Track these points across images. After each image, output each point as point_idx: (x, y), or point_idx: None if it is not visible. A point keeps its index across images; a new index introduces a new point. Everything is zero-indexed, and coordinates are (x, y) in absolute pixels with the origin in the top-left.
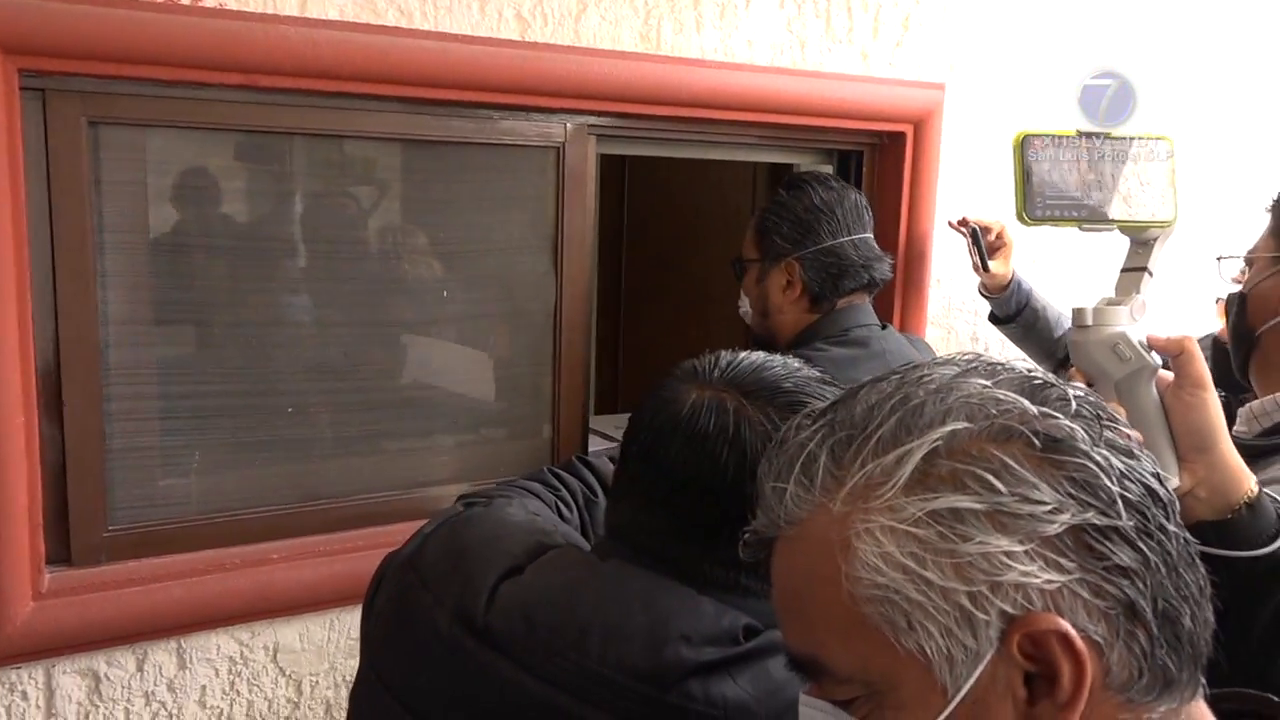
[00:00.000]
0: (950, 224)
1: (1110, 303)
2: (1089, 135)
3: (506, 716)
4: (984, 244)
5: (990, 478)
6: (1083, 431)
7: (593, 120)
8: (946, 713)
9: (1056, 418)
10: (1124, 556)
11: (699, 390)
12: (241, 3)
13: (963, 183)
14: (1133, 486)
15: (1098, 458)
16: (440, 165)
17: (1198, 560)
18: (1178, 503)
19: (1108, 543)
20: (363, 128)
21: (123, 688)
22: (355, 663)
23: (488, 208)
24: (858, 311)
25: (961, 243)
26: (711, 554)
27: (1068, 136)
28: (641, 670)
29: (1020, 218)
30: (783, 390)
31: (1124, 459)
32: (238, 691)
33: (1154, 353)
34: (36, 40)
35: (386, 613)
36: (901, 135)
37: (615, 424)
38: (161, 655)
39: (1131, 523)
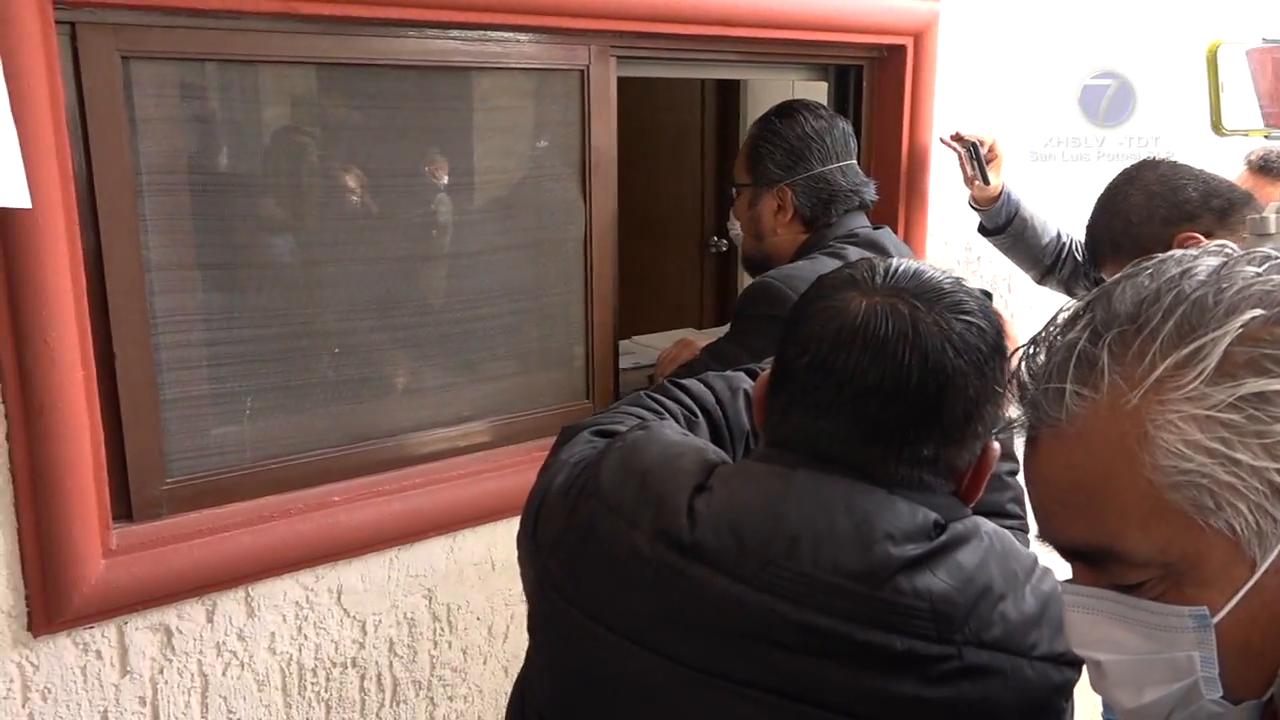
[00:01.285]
0: (943, 140)
1: None
2: (1275, 42)
3: (725, 628)
4: (980, 157)
5: None
6: None
7: (613, 42)
8: (1254, 580)
9: None
10: None
11: (867, 298)
12: None
13: (959, 96)
14: None
15: None
16: (469, 92)
17: None
18: None
19: None
20: (396, 54)
21: (194, 640)
22: (415, 599)
23: (517, 134)
24: (853, 218)
25: (953, 157)
26: (897, 454)
27: (1258, 48)
28: (855, 570)
29: (1215, 128)
30: (945, 292)
31: None
32: (305, 636)
33: None
34: None
35: (570, 543)
36: (902, 48)
37: (626, 349)
38: (230, 605)
39: None
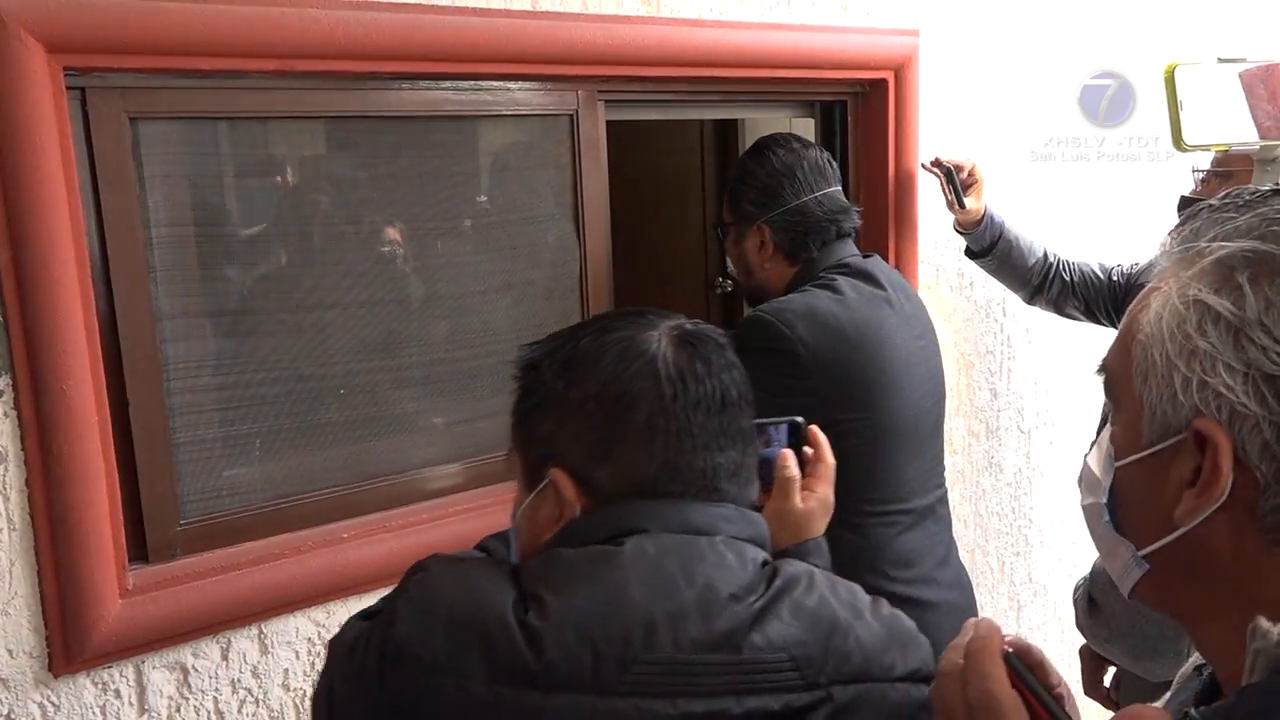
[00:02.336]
0: (924, 165)
1: None
2: (1229, 61)
3: None
4: (957, 182)
5: (1255, 300)
6: None
7: (601, 86)
8: (1137, 457)
9: None
10: None
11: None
12: None
13: (940, 125)
14: None
15: None
16: (463, 139)
17: None
18: None
19: None
20: (392, 107)
21: (210, 678)
22: None
23: (511, 178)
24: (841, 246)
25: (937, 183)
26: (684, 476)
27: (1209, 67)
28: (713, 641)
29: (1176, 144)
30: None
31: None
32: (318, 672)
33: None
34: (76, 36)
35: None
36: (883, 82)
37: None
38: (244, 643)
39: None
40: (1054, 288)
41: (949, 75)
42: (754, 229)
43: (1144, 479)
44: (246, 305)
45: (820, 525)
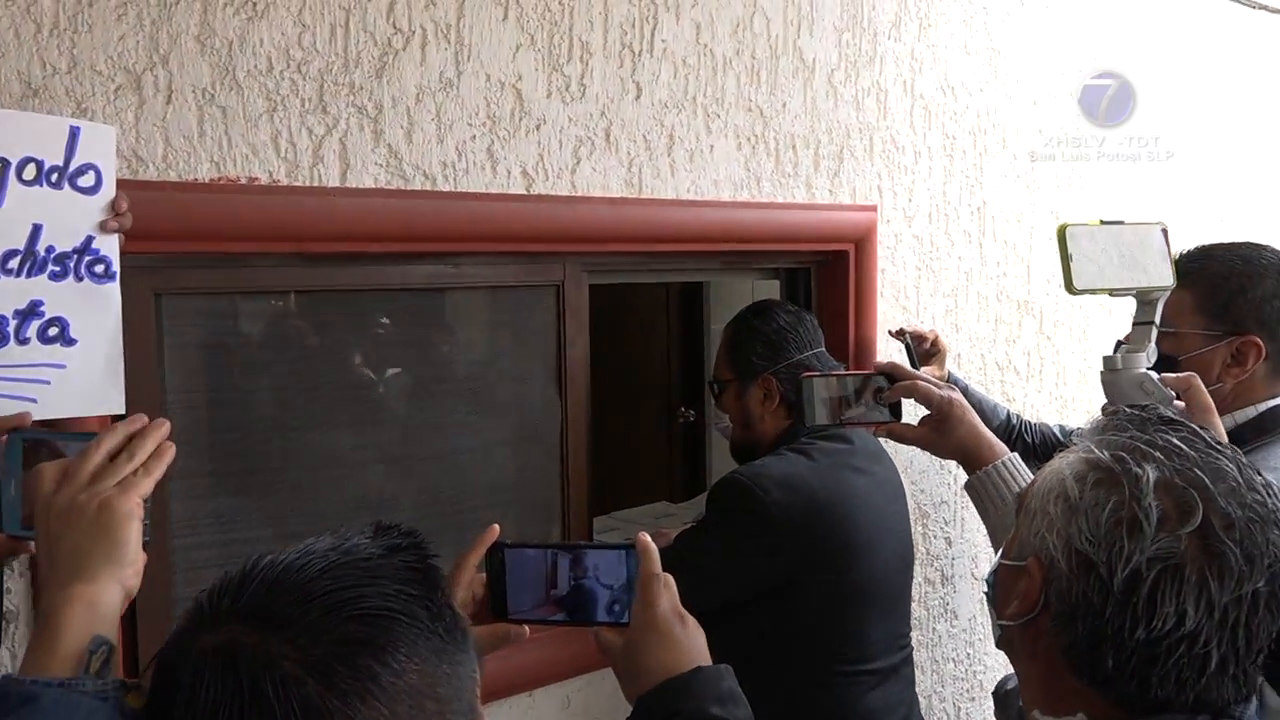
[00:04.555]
0: (890, 333)
1: (1130, 350)
2: (1109, 223)
3: None
4: (914, 353)
5: (1089, 495)
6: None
7: (586, 259)
8: (1005, 562)
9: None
10: None
11: (206, 636)
12: (291, 177)
13: (898, 291)
14: None
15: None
16: (459, 309)
17: None
18: None
19: None
20: (395, 281)
21: None
22: None
23: (501, 344)
24: None
25: (902, 348)
26: None
27: (1094, 226)
28: None
29: (1068, 288)
30: (317, 597)
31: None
32: None
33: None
34: None
35: None
36: (844, 253)
37: (601, 524)
38: None
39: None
40: (1016, 449)
41: (910, 245)
42: (759, 381)
43: (1004, 576)
44: (251, 464)
45: (689, 647)
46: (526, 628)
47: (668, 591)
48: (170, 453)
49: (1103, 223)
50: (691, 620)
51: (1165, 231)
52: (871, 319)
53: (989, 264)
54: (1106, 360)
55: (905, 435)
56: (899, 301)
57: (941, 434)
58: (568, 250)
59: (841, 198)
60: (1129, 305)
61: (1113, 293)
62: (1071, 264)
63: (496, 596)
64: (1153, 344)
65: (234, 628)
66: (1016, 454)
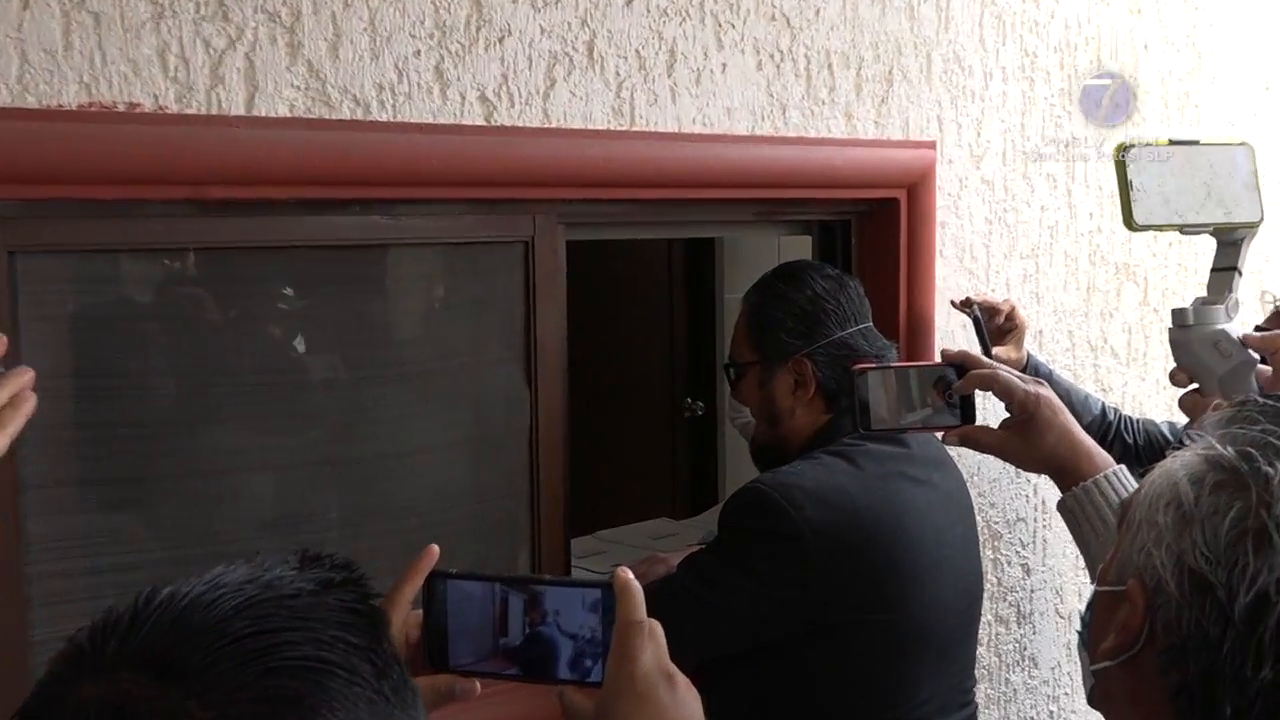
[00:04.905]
0: (953, 304)
1: (1206, 302)
2: (1179, 143)
3: None
4: (986, 330)
5: (1206, 502)
6: None
7: (562, 209)
8: (1103, 589)
9: None
10: None
11: (88, 685)
12: (183, 103)
13: (962, 250)
14: None
15: None
16: (398, 273)
17: None
18: None
19: None
20: (319, 237)
21: None
22: None
23: (451, 318)
24: None
25: (970, 321)
26: None
27: (1161, 146)
28: None
29: (1127, 224)
30: (231, 642)
31: None
32: None
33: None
34: None
35: None
36: (894, 202)
37: (584, 546)
38: None
39: None
40: (1113, 451)
41: (978, 192)
42: (789, 365)
43: (1101, 607)
44: (128, 471)
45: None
46: (477, 682)
47: (652, 643)
48: (29, 404)
49: (1172, 142)
50: (682, 680)
51: (1252, 153)
52: (929, 286)
53: (1079, 217)
54: (1176, 315)
55: (981, 441)
56: (964, 264)
57: (1028, 440)
58: (539, 197)
59: (890, 132)
60: (1265, 264)
61: (1184, 229)
62: (1131, 193)
63: (435, 640)
64: (1235, 294)
65: (124, 676)
66: (1123, 465)
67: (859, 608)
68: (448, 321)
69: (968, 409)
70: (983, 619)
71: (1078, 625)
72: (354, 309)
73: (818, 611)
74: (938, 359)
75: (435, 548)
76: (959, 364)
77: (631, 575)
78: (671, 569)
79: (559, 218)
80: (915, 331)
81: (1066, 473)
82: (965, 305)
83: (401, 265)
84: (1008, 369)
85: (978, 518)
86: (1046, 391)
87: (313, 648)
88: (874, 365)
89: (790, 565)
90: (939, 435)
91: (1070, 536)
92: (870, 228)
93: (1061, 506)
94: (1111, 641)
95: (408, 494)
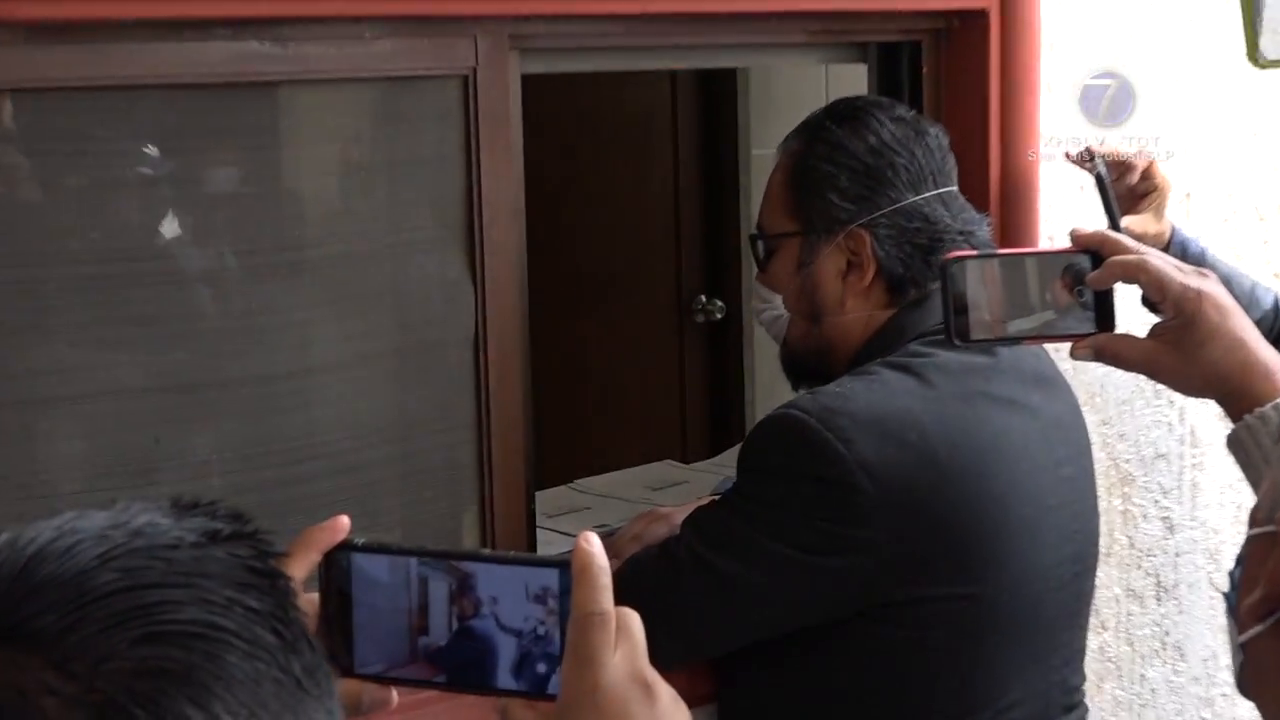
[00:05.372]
0: (1068, 156)
1: None
2: None
3: None
4: (1110, 190)
5: None
6: None
7: (515, 28)
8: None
9: None
10: None
11: None
12: None
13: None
14: None
15: None
16: (289, 123)
17: None
18: None
19: None
20: (183, 72)
21: None
22: None
23: (364, 185)
24: None
25: (1091, 182)
26: None
27: None
28: None
29: (1251, 58)
30: (97, 598)
31: None
32: None
33: None
34: None
35: None
36: (981, 15)
37: (556, 502)
38: None
39: None
40: None
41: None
42: (840, 239)
43: (1253, 559)
44: None
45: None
46: (393, 690)
47: (624, 643)
48: None
49: None
50: (665, 691)
51: None
52: (1030, 131)
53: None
54: None
55: (1123, 355)
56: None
57: (1185, 353)
58: (482, 13)
59: None
60: None
61: None
62: (1260, 23)
63: (336, 637)
64: None
65: None
66: None
67: (928, 579)
68: (360, 190)
69: (1105, 310)
70: (1111, 591)
71: (1225, 586)
72: (231, 175)
73: (872, 585)
74: (1046, 241)
75: (344, 519)
76: (1093, 249)
77: (594, 547)
78: (675, 530)
79: (511, 41)
80: (1012, 198)
81: (1238, 395)
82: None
83: (295, 113)
84: (1160, 254)
85: (1098, 453)
86: (1213, 285)
87: (202, 610)
88: (973, 253)
89: (836, 522)
90: (1074, 349)
91: (1236, 480)
92: (949, 51)
93: (1232, 440)
94: (1258, 596)
95: (305, 429)
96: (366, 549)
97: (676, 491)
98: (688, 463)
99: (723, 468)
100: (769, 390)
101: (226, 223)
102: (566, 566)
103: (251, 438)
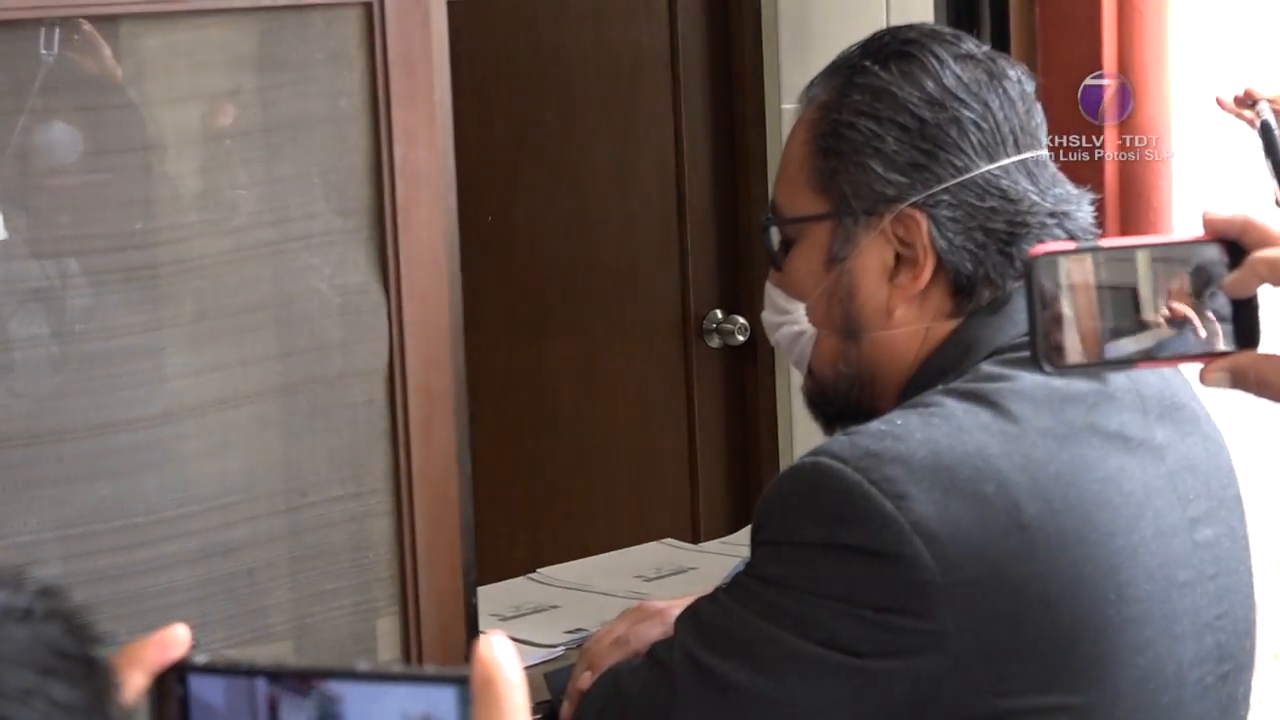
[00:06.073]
0: (1219, 102)
1: None
2: None
3: None
4: (1279, 140)
5: None
6: None
7: None
8: None
9: None
10: None
11: None
12: None
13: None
14: None
15: None
16: (132, 71)
17: None
18: None
19: None
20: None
21: None
22: None
23: (234, 159)
24: None
25: (1250, 135)
26: None
27: None
28: None
29: None
30: None
31: None
32: None
33: None
34: None
35: None
36: None
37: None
38: None
39: None
40: None
41: None
42: (885, 225)
43: None
44: None
45: None
46: None
47: None
48: None
49: None
50: None
51: None
52: (1158, 70)
53: None
54: None
55: (1273, 380)
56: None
57: None
58: None
59: None
60: None
61: None
62: None
63: None
64: None
65: None
66: None
67: (1013, 687)
68: (227, 164)
69: (1247, 322)
70: (1274, 698)
71: None
72: (45, 142)
73: (936, 696)
74: (1178, 231)
75: (182, 629)
76: (1233, 239)
77: (498, 654)
78: (669, 630)
79: None
80: (1128, 171)
81: None
82: (1246, 104)
83: (139, 58)
84: None
85: (1251, 507)
86: None
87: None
88: (1070, 244)
89: (887, 611)
90: (1204, 370)
91: None
92: None
93: None
94: None
95: (156, 498)
96: (209, 670)
97: (677, 581)
98: (696, 542)
99: (740, 548)
100: (808, 436)
101: (45, 213)
102: (465, 682)
103: (81, 510)
